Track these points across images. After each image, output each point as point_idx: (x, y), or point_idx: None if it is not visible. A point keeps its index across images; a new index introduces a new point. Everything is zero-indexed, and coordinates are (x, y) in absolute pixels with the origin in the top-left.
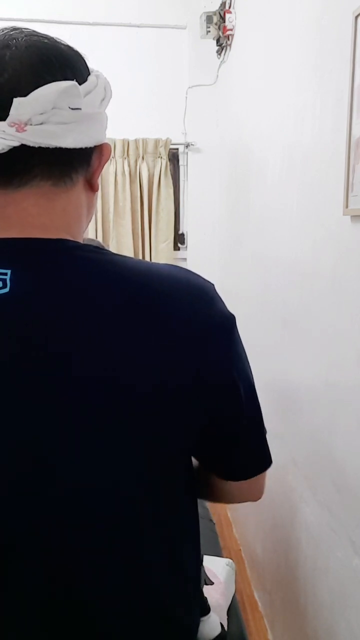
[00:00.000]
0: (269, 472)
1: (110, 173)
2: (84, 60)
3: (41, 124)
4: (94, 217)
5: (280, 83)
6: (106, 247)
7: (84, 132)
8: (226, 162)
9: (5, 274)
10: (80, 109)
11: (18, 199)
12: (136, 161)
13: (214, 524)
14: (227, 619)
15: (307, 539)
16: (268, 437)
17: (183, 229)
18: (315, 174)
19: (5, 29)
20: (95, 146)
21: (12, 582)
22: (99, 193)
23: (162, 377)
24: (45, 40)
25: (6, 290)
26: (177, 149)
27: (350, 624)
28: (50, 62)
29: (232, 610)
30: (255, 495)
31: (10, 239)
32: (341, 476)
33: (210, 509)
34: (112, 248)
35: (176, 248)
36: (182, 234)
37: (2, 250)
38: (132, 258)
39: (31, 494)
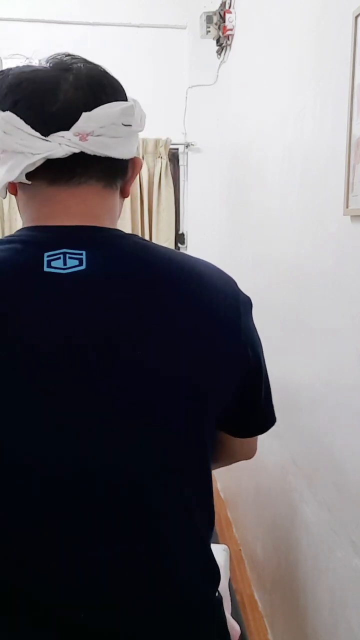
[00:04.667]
0: (269, 472)
1: None
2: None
3: (99, 135)
4: None
5: (280, 83)
6: None
7: (126, 146)
8: (226, 162)
9: (81, 254)
10: (131, 125)
11: (78, 194)
12: None
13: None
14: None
15: (307, 539)
16: (268, 436)
17: (183, 229)
18: (315, 174)
19: (59, 54)
20: (130, 159)
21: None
22: None
23: (207, 358)
24: (99, 69)
25: (83, 267)
26: (177, 149)
27: (350, 624)
28: (105, 86)
29: (232, 610)
30: (252, 452)
31: (80, 226)
32: (341, 476)
33: None
34: None
35: (176, 248)
36: (182, 234)
37: (75, 234)
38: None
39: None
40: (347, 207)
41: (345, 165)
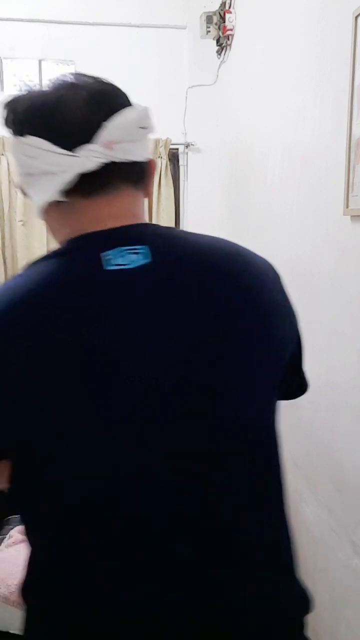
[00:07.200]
0: None
1: None
2: None
3: (121, 142)
4: None
5: (280, 83)
6: None
7: (143, 148)
8: (226, 162)
9: (144, 249)
10: (146, 127)
11: (115, 200)
12: None
13: None
14: None
15: (307, 539)
16: None
17: (183, 229)
18: (315, 174)
19: (64, 75)
20: (147, 160)
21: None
22: None
23: (282, 340)
24: (106, 82)
25: (149, 260)
26: (177, 149)
27: (350, 623)
28: (116, 97)
29: None
30: None
31: (130, 225)
32: (341, 476)
33: None
34: None
35: None
36: None
37: (130, 232)
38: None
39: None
40: (347, 207)
41: (345, 165)
